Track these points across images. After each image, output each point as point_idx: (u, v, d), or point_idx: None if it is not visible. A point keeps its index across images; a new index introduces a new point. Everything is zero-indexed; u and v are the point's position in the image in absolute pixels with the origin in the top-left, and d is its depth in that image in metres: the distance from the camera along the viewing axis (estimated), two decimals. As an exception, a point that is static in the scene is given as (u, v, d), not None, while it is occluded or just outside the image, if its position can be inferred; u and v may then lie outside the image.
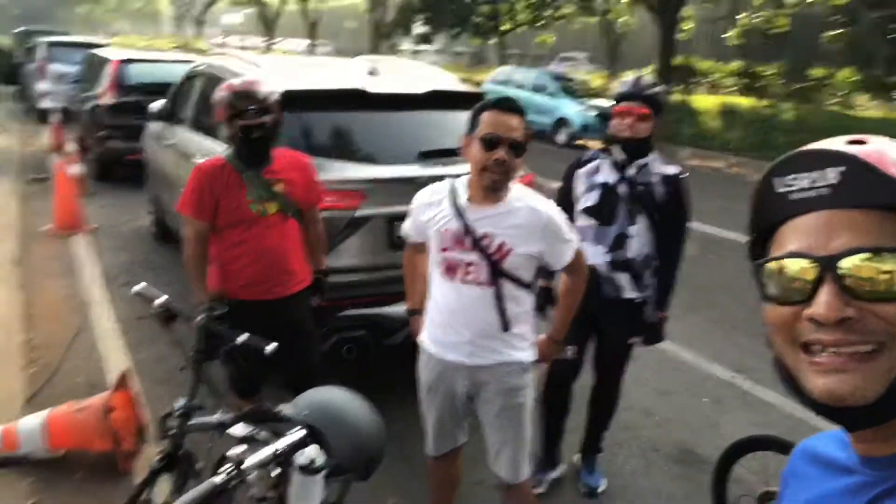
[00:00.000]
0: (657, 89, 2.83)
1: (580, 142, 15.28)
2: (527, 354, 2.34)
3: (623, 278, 2.88)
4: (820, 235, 0.67)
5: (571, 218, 2.85)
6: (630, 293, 2.91)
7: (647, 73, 21.52)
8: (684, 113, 17.25)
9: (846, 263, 0.64)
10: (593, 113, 14.92)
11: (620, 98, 2.81)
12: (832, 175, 0.66)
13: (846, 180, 0.66)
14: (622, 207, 2.83)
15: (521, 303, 2.30)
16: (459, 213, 2.22)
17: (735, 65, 20.78)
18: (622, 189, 2.83)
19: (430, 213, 2.30)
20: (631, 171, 2.83)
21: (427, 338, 2.40)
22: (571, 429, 3.65)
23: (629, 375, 4.21)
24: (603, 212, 2.86)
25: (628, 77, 2.96)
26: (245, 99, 2.63)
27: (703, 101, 17.96)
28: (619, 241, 2.85)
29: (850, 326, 0.64)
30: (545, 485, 3.16)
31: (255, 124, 2.64)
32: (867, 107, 17.43)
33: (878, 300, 0.64)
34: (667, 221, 2.87)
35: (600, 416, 3.23)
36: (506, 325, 2.26)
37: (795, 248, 0.69)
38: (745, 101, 17.74)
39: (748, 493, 2.71)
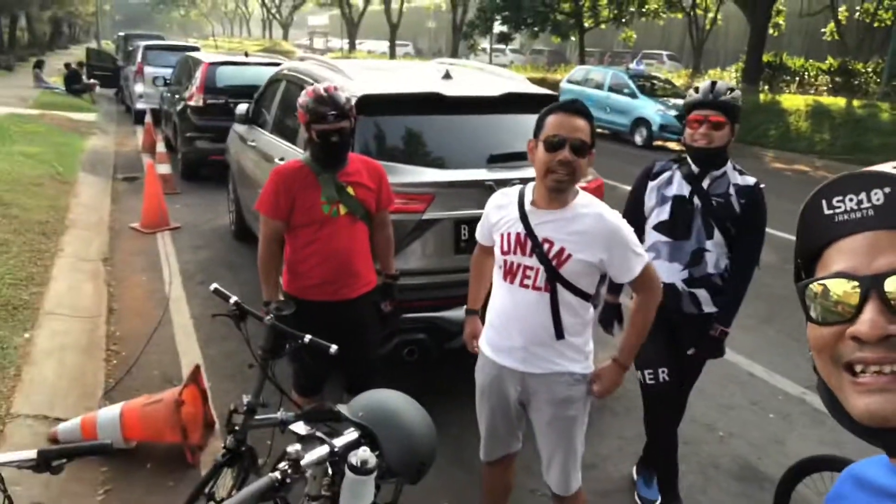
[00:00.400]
0: (733, 95, 2.67)
1: (659, 143, 14.96)
2: (581, 366, 2.31)
3: (702, 294, 2.77)
4: (865, 256, 0.67)
5: (640, 230, 2.76)
6: (710, 307, 2.80)
7: (733, 72, 20.73)
8: (772, 113, 16.57)
9: (890, 284, 0.65)
10: (673, 113, 14.54)
11: (694, 106, 2.67)
12: (877, 196, 0.67)
13: (892, 201, 0.66)
14: (697, 221, 2.71)
15: (578, 313, 2.26)
16: (523, 216, 2.23)
17: (829, 62, 19.72)
18: (696, 202, 2.71)
19: (499, 216, 2.32)
20: (706, 183, 2.71)
21: (484, 341, 2.43)
22: (628, 437, 3.63)
23: (693, 387, 4.15)
24: (676, 227, 2.74)
25: (703, 82, 2.77)
26: (325, 104, 2.76)
27: (793, 101, 17.16)
28: (697, 257, 2.73)
29: (893, 345, 0.65)
30: None
31: (333, 129, 2.77)
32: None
33: None
34: (742, 234, 2.72)
35: None
36: (559, 334, 2.23)
37: (840, 268, 0.69)
38: (838, 101, 16.83)
39: (808, 516, 2.63)
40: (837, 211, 0.71)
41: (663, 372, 2.82)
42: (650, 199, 2.81)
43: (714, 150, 2.65)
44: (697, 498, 3.20)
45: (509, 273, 2.28)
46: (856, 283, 0.67)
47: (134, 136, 13.10)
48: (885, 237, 0.67)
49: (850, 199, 0.69)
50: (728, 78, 22.22)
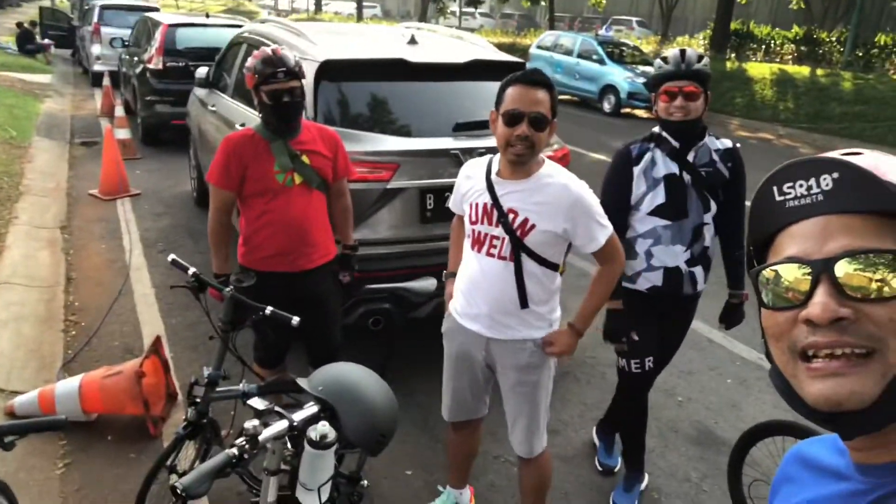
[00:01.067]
0: (704, 63, 2.55)
1: (626, 110, 14.98)
2: (545, 333, 2.34)
3: (699, 271, 2.73)
4: (815, 240, 0.69)
5: (624, 219, 2.69)
6: (702, 285, 2.77)
7: (701, 39, 20.73)
8: (738, 81, 16.68)
9: (841, 268, 0.66)
10: (642, 80, 14.54)
11: (666, 77, 2.53)
12: (826, 182, 0.68)
13: (840, 186, 0.68)
14: (692, 197, 2.63)
15: (544, 283, 2.29)
16: (490, 187, 2.25)
17: (795, 30, 19.87)
18: (686, 178, 2.61)
19: (468, 186, 2.34)
20: (691, 157, 2.62)
21: (453, 306, 2.46)
22: (590, 403, 3.70)
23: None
24: (675, 207, 2.63)
25: (671, 51, 2.64)
26: (273, 64, 2.67)
27: (758, 69, 17.29)
28: (697, 234, 2.67)
29: (844, 328, 0.66)
30: (634, 498, 2.99)
31: (283, 88, 2.67)
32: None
33: (870, 301, 0.65)
34: (730, 198, 2.68)
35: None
36: (524, 303, 2.26)
37: (791, 253, 0.71)
38: (802, 70, 17.01)
39: (762, 478, 2.71)
40: (788, 197, 0.72)
41: (650, 361, 2.80)
42: (640, 185, 2.66)
43: (692, 121, 2.55)
44: (657, 462, 3.28)
45: (477, 242, 2.30)
46: (807, 269, 0.68)
47: (92, 99, 12.69)
48: (834, 221, 0.68)
49: (801, 185, 0.71)
50: (696, 45, 22.26)
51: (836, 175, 0.68)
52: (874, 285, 0.65)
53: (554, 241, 2.23)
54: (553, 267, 2.29)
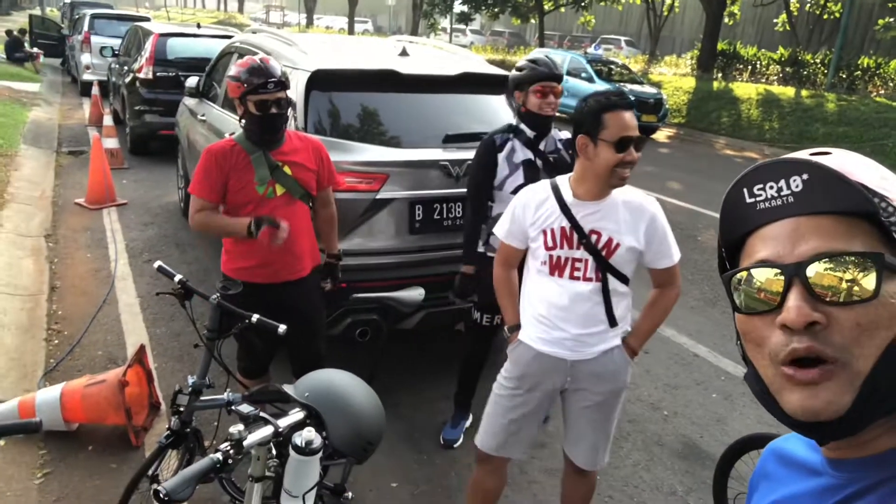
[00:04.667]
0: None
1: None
2: (621, 338, 2.35)
3: None
4: (787, 242, 0.68)
5: (488, 198, 3.11)
6: None
7: (688, 59, 20.97)
8: (724, 101, 16.89)
9: (812, 270, 0.66)
10: (631, 98, 14.63)
11: (540, 78, 2.98)
12: (796, 183, 0.68)
13: (810, 187, 0.68)
14: (544, 178, 2.85)
15: (625, 298, 2.32)
16: (566, 210, 2.24)
17: (781, 52, 20.19)
18: (539, 163, 3.06)
19: (536, 213, 2.30)
20: (542, 146, 3.08)
21: (531, 336, 2.37)
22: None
23: (640, 367, 4.24)
24: None
25: (535, 55, 3.13)
26: (262, 74, 2.65)
27: (744, 89, 17.52)
28: None
29: (816, 333, 0.65)
30: (461, 432, 3.45)
31: (272, 99, 2.65)
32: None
33: (840, 304, 0.65)
34: None
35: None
36: (612, 321, 2.28)
37: (763, 256, 0.70)
38: (787, 91, 17.25)
39: (746, 492, 2.71)
40: (759, 199, 0.72)
41: (498, 317, 3.14)
42: (503, 169, 3.07)
43: (553, 116, 3.04)
44: (641, 475, 3.27)
45: (556, 267, 2.28)
46: (779, 271, 0.68)
47: (80, 108, 12.64)
48: (805, 223, 0.68)
49: (771, 187, 0.71)
50: (683, 65, 22.56)
51: (805, 176, 0.68)
52: (844, 286, 0.64)
53: (632, 256, 2.25)
54: (628, 282, 2.32)
